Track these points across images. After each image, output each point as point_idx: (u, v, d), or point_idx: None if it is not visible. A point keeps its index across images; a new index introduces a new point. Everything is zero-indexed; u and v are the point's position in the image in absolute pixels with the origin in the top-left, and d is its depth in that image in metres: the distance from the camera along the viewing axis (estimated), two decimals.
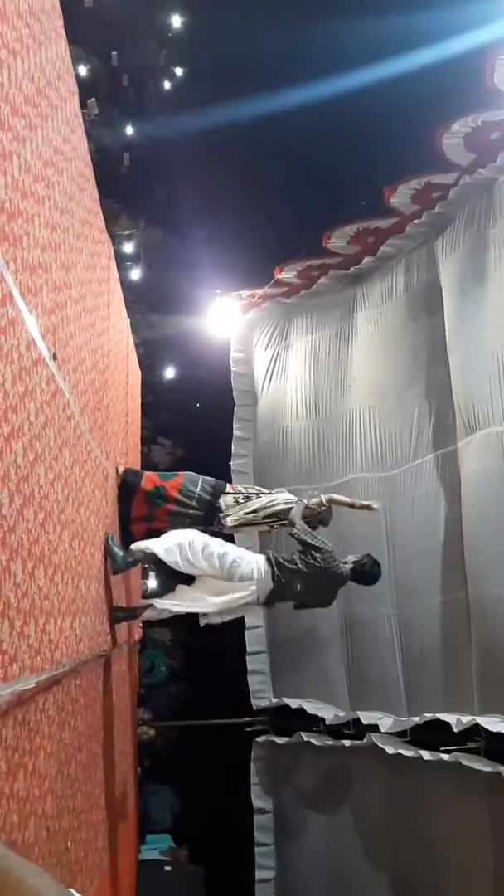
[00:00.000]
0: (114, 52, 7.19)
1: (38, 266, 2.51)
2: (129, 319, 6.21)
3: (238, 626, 7.56)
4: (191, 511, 4.84)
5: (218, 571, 4.14)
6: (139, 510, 4.83)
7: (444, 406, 6.07)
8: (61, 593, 2.60)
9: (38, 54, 2.67)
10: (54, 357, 2.68)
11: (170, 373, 9.29)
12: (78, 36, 6.61)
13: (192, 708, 8.15)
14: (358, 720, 6.27)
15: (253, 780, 7.32)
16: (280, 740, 7.13)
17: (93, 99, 5.58)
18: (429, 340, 6.25)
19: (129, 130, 7.24)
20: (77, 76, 3.73)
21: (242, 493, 5.03)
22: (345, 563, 4.46)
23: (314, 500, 4.83)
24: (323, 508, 4.83)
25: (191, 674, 8.50)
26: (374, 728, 6.01)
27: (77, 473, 3.12)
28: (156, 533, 4.56)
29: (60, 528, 2.66)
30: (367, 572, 4.50)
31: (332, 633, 6.90)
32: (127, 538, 4.63)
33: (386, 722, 5.98)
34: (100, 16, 7.59)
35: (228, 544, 4.35)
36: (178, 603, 4.20)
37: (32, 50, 2.57)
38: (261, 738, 7.33)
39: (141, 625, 6.71)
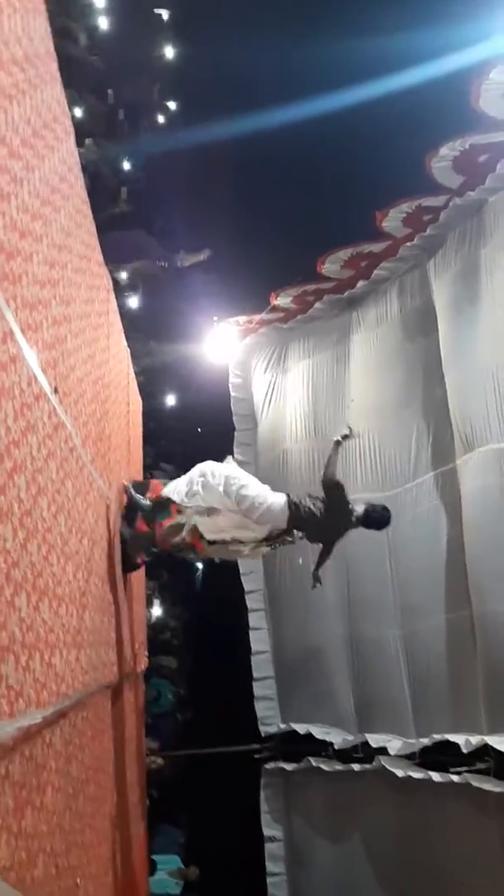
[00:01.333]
0: (109, 90, 7.34)
1: (38, 302, 2.56)
2: (128, 349, 6.27)
3: (245, 651, 7.53)
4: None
5: (233, 504, 4.19)
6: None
7: (441, 425, 6.12)
8: (66, 625, 2.61)
9: (35, 98, 2.75)
10: (55, 391, 2.72)
11: (170, 400, 9.36)
12: (72, 75, 6.77)
13: (199, 736, 8.08)
14: (366, 743, 6.22)
15: (263, 808, 7.24)
16: (289, 766, 7.06)
17: (90, 139, 5.70)
18: (424, 361, 6.32)
19: (126, 165, 7.37)
20: (73, 117, 3.83)
21: None
22: (359, 506, 4.50)
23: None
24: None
25: (197, 701, 8.43)
26: (383, 751, 5.96)
27: (80, 505, 3.15)
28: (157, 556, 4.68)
29: (64, 560, 2.68)
30: (375, 518, 4.50)
31: (339, 656, 6.87)
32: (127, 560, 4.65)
33: (395, 744, 5.93)
34: (93, 54, 7.77)
35: (250, 478, 4.39)
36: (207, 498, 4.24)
37: (29, 94, 2.64)
38: (270, 765, 7.27)
39: (147, 654, 6.68)
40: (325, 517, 4.30)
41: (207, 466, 4.38)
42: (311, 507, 4.30)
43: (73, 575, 2.84)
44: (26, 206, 2.48)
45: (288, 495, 4.36)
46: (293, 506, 4.27)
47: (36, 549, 2.22)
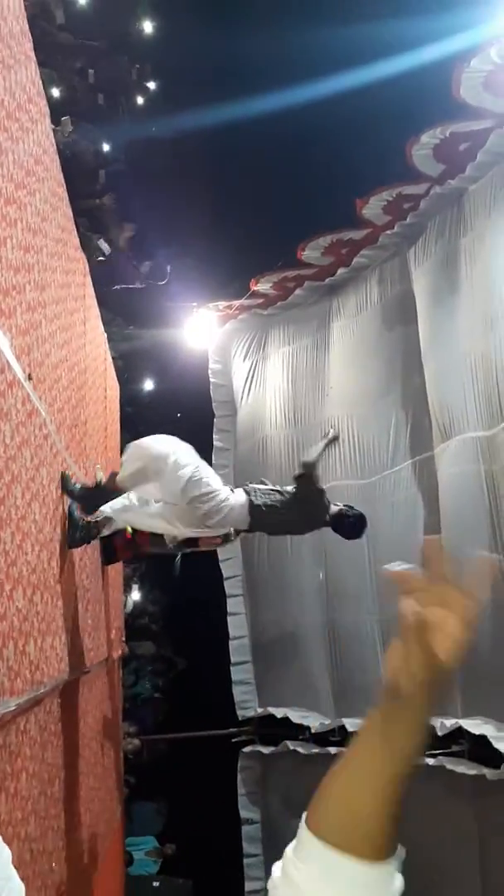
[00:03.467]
0: (87, 70, 7.22)
1: (12, 288, 2.53)
2: (106, 334, 6.22)
3: (223, 636, 7.57)
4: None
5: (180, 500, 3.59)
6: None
7: (420, 413, 6.15)
8: (41, 613, 2.61)
9: (8, 79, 2.70)
10: (29, 377, 2.70)
11: (149, 385, 9.30)
12: (50, 53, 6.65)
13: (177, 720, 8.13)
14: (343, 727, 6.29)
15: (240, 791, 7.31)
16: (266, 750, 7.13)
17: (66, 117, 5.61)
18: (404, 349, 6.34)
19: (104, 146, 7.27)
20: (50, 96, 3.77)
21: None
22: (335, 505, 4.06)
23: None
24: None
25: (175, 685, 8.48)
26: None
27: (54, 491, 3.14)
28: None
29: (39, 547, 2.67)
30: (348, 524, 4.04)
31: (316, 641, 6.93)
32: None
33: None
34: (71, 31, 7.62)
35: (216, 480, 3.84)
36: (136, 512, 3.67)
37: (2, 75, 2.60)
38: (247, 749, 7.33)
39: (124, 639, 6.70)
40: (290, 513, 3.88)
41: (169, 447, 3.72)
42: (273, 502, 3.85)
43: (48, 562, 2.83)
44: (0, 189, 2.44)
45: (246, 493, 3.84)
46: (252, 506, 3.79)
47: (10, 538, 2.21)
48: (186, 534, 3.90)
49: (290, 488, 4.00)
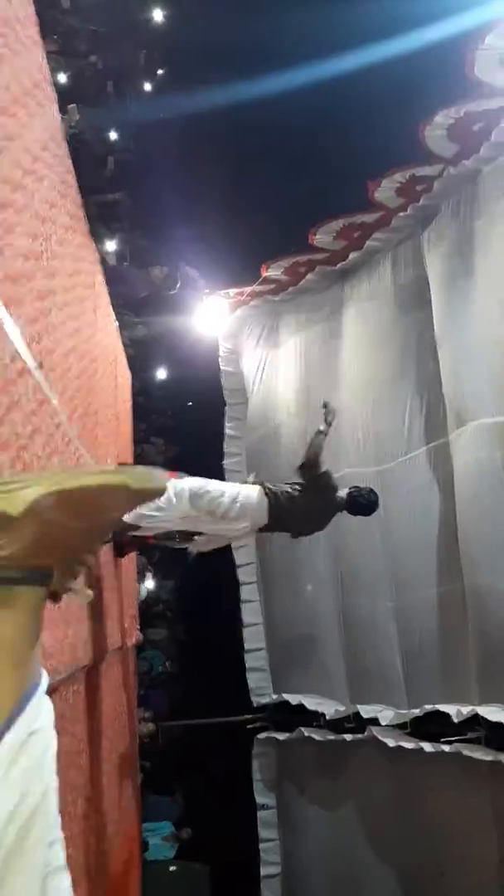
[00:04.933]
0: (94, 57, 7.14)
1: (21, 275, 2.50)
2: (117, 322, 6.19)
3: (237, 623, 7.58)
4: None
5: (206, 514, 3.79)
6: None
7: (434, 399, 6.09)
8: (54, 604, 2.60)
9: (14, 63, 2.66)
10: (40, 366, 2.68)
11: (161, 373, 9.28)
12: (56, 38, 6.58)
13: (192, 707, 8.17)
14: (358, 714, 6.30)
15: (255, 777, 7.35)
16: (281, 736, 7.16)
17: (73, 105, 5.55)
18: (417, 334, 6.27)
19: (113, 133, 7.21)
20: (57, 83, 3.73)
21: None
22: (340, 495, 4.16)
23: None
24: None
25: (190, 672, 8.52)
26: (375, 721, 6.04)
27: None
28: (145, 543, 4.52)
29: None
30: (363, 502, 4.17)
31: (331, 628, 6.93)
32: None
33: (386, 714, 6.01)
34: (77, 16, 7.54)
35: (218, 483, 3.97)
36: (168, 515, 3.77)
37: (7, 59, 2.55)
38: (262, 735, 7.36)
39: (139, 627, 6.72)
40: (307, 503, 3.97)
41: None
42: (290, 491, 3.95)
43: None
44: (6, 177, 2.41)
45: (261, 483, 3.97)
46: (271, 494, 3.89)
47: None
48: (214, 532, 3.96)
49: (296, 480, 4.06)
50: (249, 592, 7.62)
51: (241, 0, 8.14)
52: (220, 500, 3.78)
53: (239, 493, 3.85)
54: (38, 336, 2.71)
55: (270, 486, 3.94)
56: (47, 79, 3.32)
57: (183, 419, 9.54)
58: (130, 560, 6.30)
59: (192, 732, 8.15)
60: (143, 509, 3.67)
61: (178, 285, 7.03)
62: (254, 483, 4.05)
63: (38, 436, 2.54)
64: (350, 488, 4.22)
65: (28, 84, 2.87)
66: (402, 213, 6.22)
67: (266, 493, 3.89)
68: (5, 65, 2.53)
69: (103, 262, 5.25)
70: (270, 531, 4.26)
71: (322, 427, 4.23)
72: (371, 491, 4.25)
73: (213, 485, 3.90)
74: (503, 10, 4.75)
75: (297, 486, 4.01)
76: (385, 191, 6.07)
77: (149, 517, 3.72)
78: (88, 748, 3.35)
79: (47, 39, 3.43)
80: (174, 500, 3.74)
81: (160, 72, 9.01)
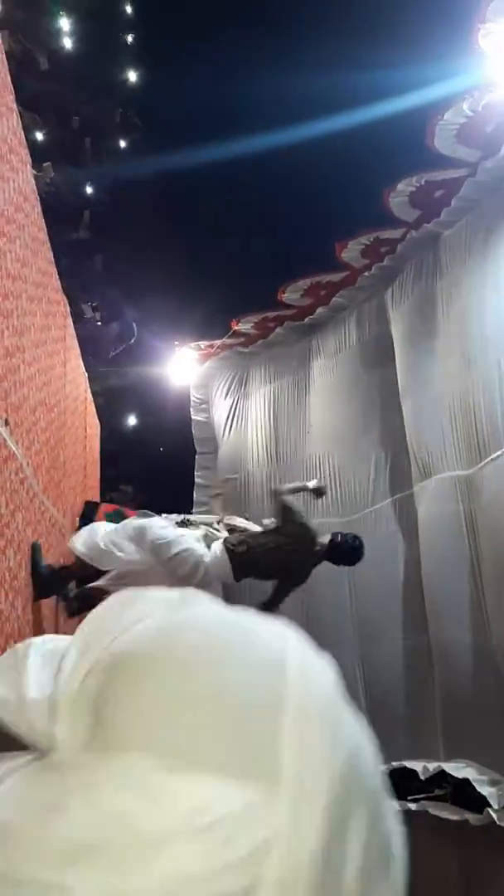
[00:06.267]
0: (73, 115, 7.39)
1: None
2: (87, 373, 6.24)
3: None
4: None
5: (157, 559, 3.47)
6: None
7: (399, 451, 6.21)
8: None
9: None
10: (6, 423, 2.70)
11: (131, 421, 9.32)
12: (34, 98, 6.78)
13: None
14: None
15: None
16: None
17: (48, 163, 5.71)
18: (382, 388, 6.42)
19: (88, 189, 7.40)
20: (34, 141, 3.83)
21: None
22: (321, 541, 3.89)
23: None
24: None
25: None
26: None
27: (30, 535, 3.11)
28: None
29: (12, 595, 2.64)
30: (346, 549, 3.87)
31: None
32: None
33: None
34: (56, 77, 7.80)
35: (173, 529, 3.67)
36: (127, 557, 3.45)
37: None
38: None
39: None
40: (282, 555, 3.71)
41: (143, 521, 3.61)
42: (250, 541, 3.69)
43: (22, 610, 2.79)
44: None
45: (223, 544, 3.66)
46: (231, 553, 3.62)
47: None
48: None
49: (268, 522, 3.90)
50: None
51: (215, 67, 8.51)
52: (183, 558, 3.49)
53: (203, 555, 3.58)
54: (5, 393, 2.73)
55: (231, 546, 3.68)
56: (22, 143, 3.42)
57: (152, 467, 9.55)
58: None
59: None
60: (103, 544, 3.46)
61: (135, 335, 7.16)
62: (222, 532, 3.85)
63: (1, 494, 2.54)
64: (332, 534, 3.93)
65: (3, 149, 2.96)
66: (366, 273, 6.45)
67: (227, 549, 3.66)
68: None
69: (73, 315, 5.33)
70: (237, 580, 3.92)
71: (309, 484, 4.19)
72: (355, 537, 3.96)
73: (185, 537, 3.61)
74: (459, 87, 5.05)
75: (270, 535, 3.79)
76: (351, 251, 6.30)
77: (107, 553, 3.43)
78: None
79: (23, 99, 3.54)
80: (134, 541, 3.47)
81: (134, 130, 9.31)
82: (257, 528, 4.05)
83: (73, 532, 4.55)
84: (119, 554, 3.44)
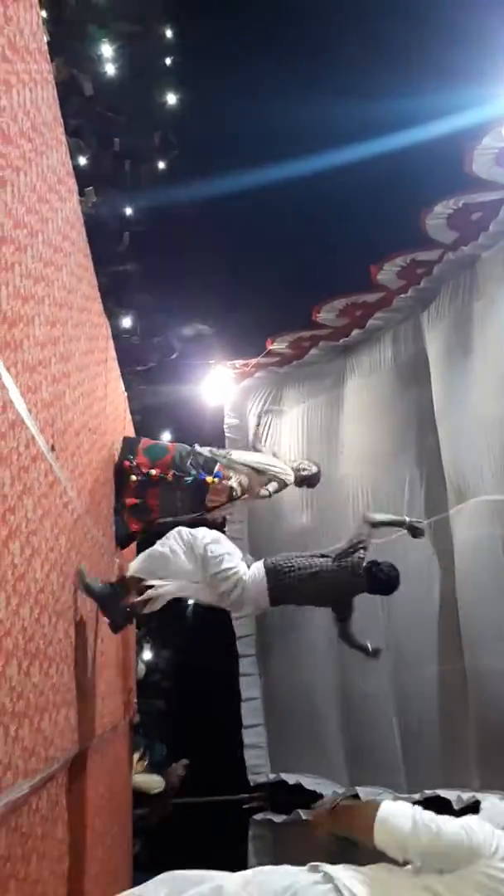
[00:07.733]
0: (116, 139, 7.55)
1: (38, 363, 2.60)
2: (126, 392, 6.32)
3: (233, 694, 7.44)
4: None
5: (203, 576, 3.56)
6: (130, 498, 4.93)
7: (434, 473, 6.16)
8: (56, 685, 2.60)
9: (41, 164, 2.84)
10: (52, 448, 2.75)
11: (166, 439, 9.39)
12: (78, 124, 6.96)
13: (188, 784, 7.92)
14: (356, 796, 6.11)
15: (250, 862, 7.06)
16: (277, 818, 6.92)
17: (90, 188, 5.85)
18: (417, 409, 6.39)
19: (128, 210, 7.54)
20: (77, 165, 3.92)
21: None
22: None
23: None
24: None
25: (186, 749, 8.29)
26: None
27: (73, 558, 3.16)
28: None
29: (56, 618, 2.67)
30: (382, 578, 3.77)
31: (330, 704, 6.79)
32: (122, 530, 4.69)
33: (385, 799, 5.83)
34: (99, 102, 7.99)
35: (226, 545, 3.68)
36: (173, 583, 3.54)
37: (35, 162, 2.73)
38: (258, 816, 7.12)
39: (136, 702, 6.60)
40: (325, 578, 3.69)
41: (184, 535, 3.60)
42: (298, 569, 3.67)
43: (65, 632, 2.83)
44: (29, 271, 2.54)
45: (266, 567, 3.66)
46: (272, 579, 3.62)
47: (28, 613, 2.23)
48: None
49: (327, 552, 3.84)
50: (248, 665, 7.50)
51: (253, 91, 8.63)
52: (227, 576, 3.54)
53: (243, 575, 3.60)
54: (52, 419, 2.79)
55: (275, 570, 3.67)
56: (69, 173, 3.51)
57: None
58: (129, 630, 6.24)
59: (186, 811, 7.87)
60: (161, 546, 3.53)
61: (175, 354, 7.24)
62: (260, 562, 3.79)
63: (46, 519, 2.59)
64: (368, 563, 3.81)
65: (53, 181, 3.05)
66: (402, 294, 6.45)
67: (270, 574, 3.65)
68: (33, 168, 2.70)
69: (115, 336, 5.43)
70: (273, 606, 3.93)
71: (407, 519, 4.16)
72: (392, 566, 3.84)
73: (225, 557, 3.59)
74: (496, 112, 5.05)
75: (320, 558, 3.76)
76: (387, 273, 6.30)
77: (163, 558, 3.49)
78: (82, 834, 3.26)
79: (69, 124, 3.64)
80: (188, 547, 3.53)
81: (174, 151, 9.47)
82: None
83: (114, 550, 4.65)
84: (173, 559, 3.52)
